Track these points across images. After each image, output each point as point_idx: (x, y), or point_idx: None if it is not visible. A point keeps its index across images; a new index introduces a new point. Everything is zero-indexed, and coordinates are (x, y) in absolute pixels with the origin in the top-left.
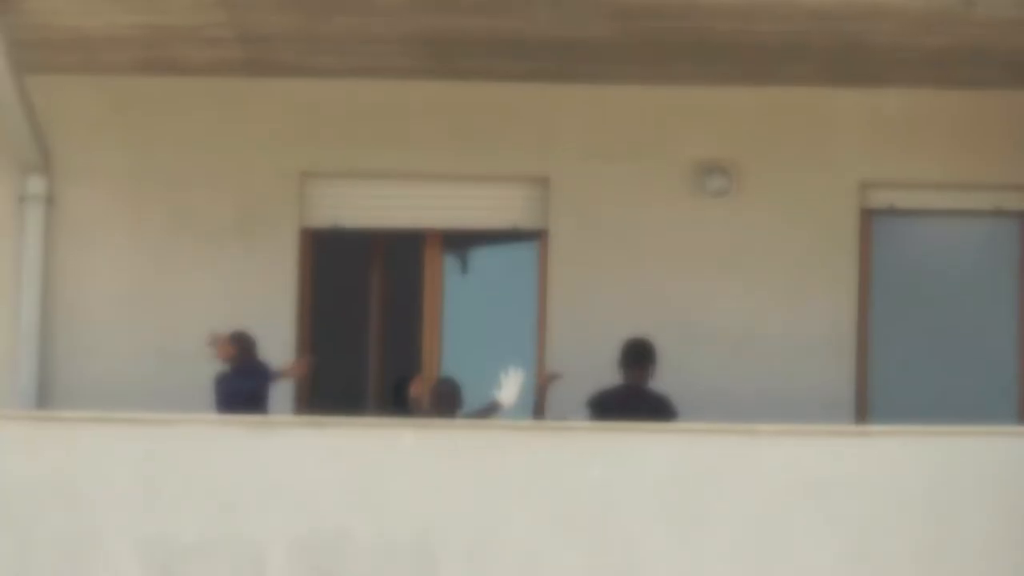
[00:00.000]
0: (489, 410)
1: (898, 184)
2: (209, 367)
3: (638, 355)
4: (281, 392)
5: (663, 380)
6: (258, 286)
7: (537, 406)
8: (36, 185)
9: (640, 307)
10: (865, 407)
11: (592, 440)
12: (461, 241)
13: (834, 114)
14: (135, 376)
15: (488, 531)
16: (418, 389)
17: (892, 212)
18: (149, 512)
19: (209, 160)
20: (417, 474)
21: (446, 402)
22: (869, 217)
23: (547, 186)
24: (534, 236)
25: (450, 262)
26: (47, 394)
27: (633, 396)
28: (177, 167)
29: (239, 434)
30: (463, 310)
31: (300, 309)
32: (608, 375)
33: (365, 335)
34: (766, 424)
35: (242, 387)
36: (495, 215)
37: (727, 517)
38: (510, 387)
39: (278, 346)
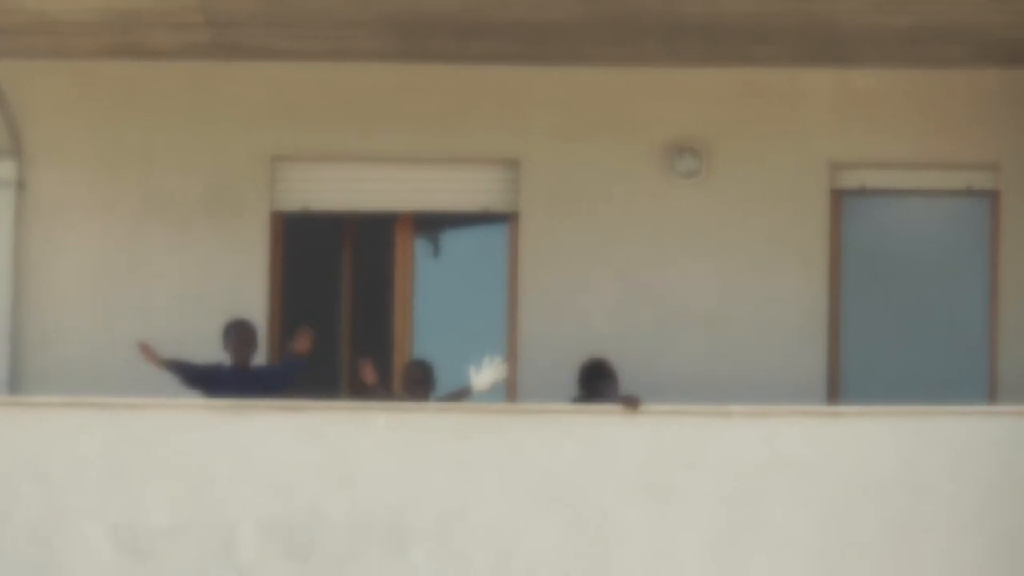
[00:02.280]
0: (461, 393)
1: (868, 164)
2: (177, 351)
3: (590, 375)
4: None
5: (636, 361)
6: (229, 269)
7: (457, 393)
8: (6, 169)
9: (611, 288)
10: (837, 387)
11: (566, 421)
12: (432, 223)
13: (804, 94)
14: (106, 360)
15: (461, 511)
16: (369, 375)
17: (862, 192)
18: (121, 495)
19: (179, 144)
20: (390, 455)
21: (419, 385)
22: (839, 197)
23: (517, 168)
24: (505, 218)
25: (421, 245)
26: (18, 379)
27: None
28: (147, 151)
29: (210, 417)
30: (434, 293)
31: (271, 292)
32: (580, 355)
33: (336, 318)
34: (739, 405)
35: (286, 373)
36: (466, 197)
37: (701, 498)
38: (487, 374)
39: None
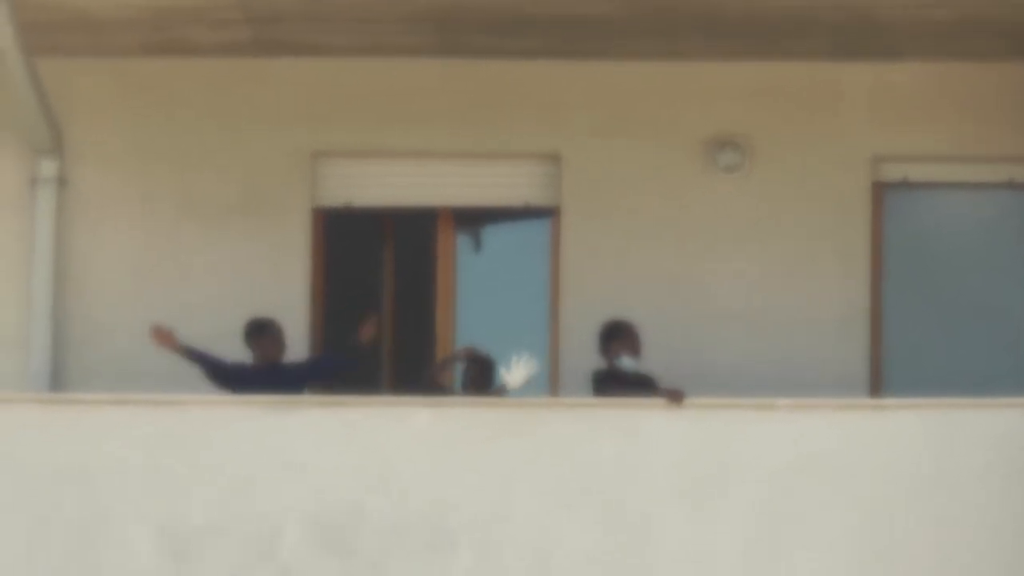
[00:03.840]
0: (495, 393)
1: (909, 157)
2: (218, 348)
3: (606, 335)
4: None
5: (677, 357)
6: (270, 267)
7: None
8: (47, 167)
9: (652, 283)
10: (879, 381)
11: (605, 416)
12: (473, 219)
13: (845, 88)
14: (147, 357)
15: (501, 508)
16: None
17: (904, 185)
18: (162, 493)
19: (219, 141)
20: (431, 452)
21: (476, 382)
22: (881, 191)
23: (558, 163)
24: (546, 213)
25: (462, 240)
26: (60, 376)
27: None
28: (188, 148)
29: (253, 414)
30: (475, 288)
31: (312, 289)
32: None
33: (378, 314)
34: (780, 399)
35: (322, 366)
36: (506, 192)
37: (741, 492)
38: (518, 372)
39: (290, 327)
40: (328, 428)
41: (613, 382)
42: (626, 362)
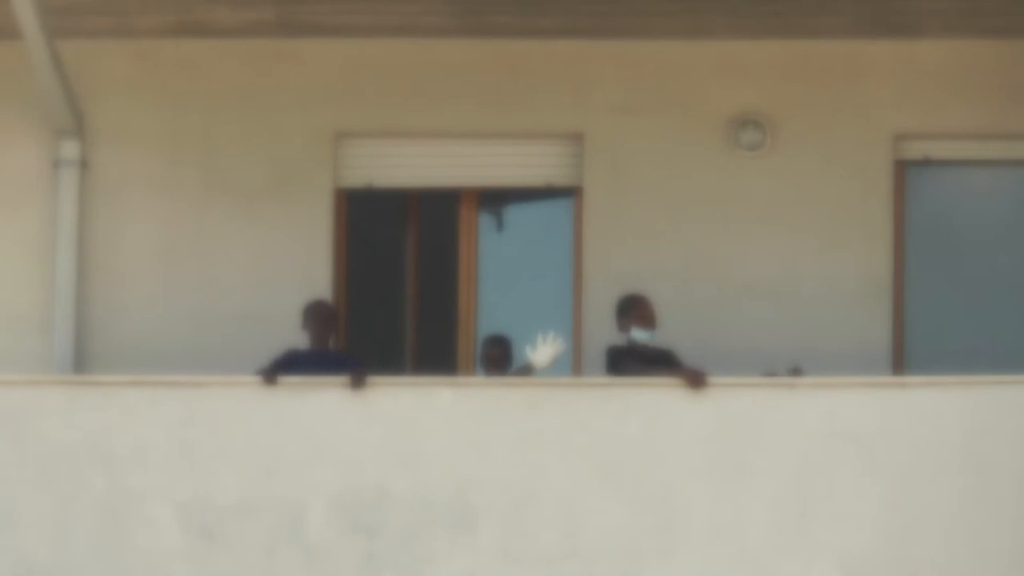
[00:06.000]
0: (522, 372)
1: (932, 135)
2: (242, 329)
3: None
4: None
5: (700, 334)
6: (293, 247)
7: (518, 371)
8: (70, 149)
9: (675, 262)
10: (902, 358)
11: (630, 395)
12: (496, 199)
13: (867, 66)
14: (171, 338)
15: (526, 487)
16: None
17: (926, 163)
18: (188, 474)
19: (242, 122)
20: (455, 432)
21: (496, 363)
22: (903, 168)
23: (581, 142)
24: (569, 192)
25: (485, 220)
26: (83, 358)
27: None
28: (210, 129)
29: (277, 394)
30: (499, 268)
31: (336, 269)
32: None
33: (401, 294)
34: (804, 377)
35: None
36: (529, 172)
37: (766, 470)
38: (545, 350)
39: None
40: (352, 408)
41: (628, 358)
42: (638, 334)
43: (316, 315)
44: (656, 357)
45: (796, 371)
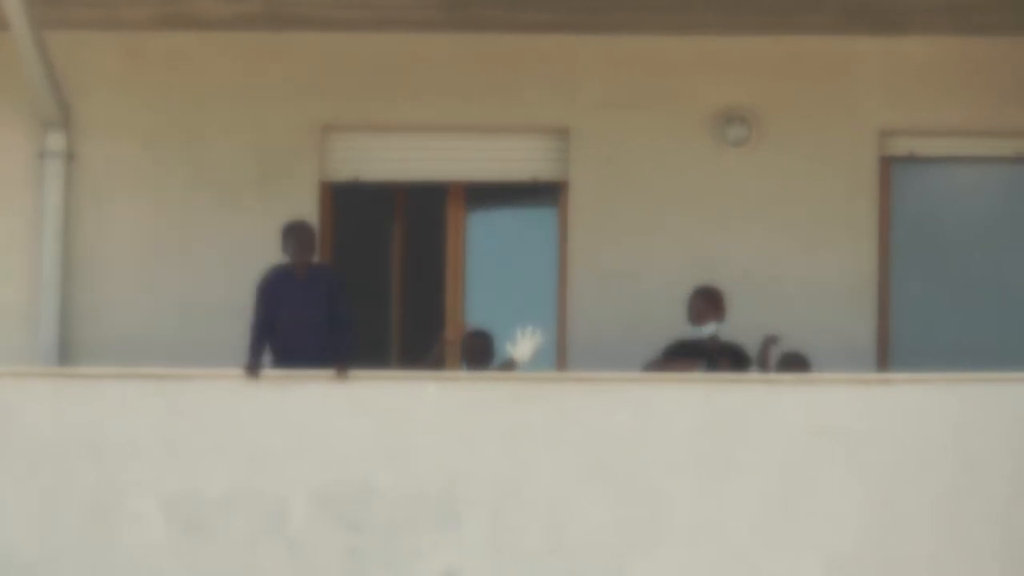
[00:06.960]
0: (504, 367)
1: (918, 131)
2: (227, 321)
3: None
4: None
5: (686, 330)
6: (278, 239)
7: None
8: (56, 141)
9: (661, 257)
10: (886, 355)
11: (616, 391)
12: (482, 193)
13: (853, 62)
14: (156, 331)
15: (513, 482)
16: (454, 333)
17: (912, 159)
18: (173, 467)
19: (229, 114)
20: (441, 426)
21: (480, 356)
22: (889, 165)
23: (567, 137)
24: (555, 187)
25: (471, 214)
26: (68, 350)
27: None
28: (196, 122)
29: (262, 388)
30: (485, 262)
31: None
32: (629, 326)
33: (387, 288)
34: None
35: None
36: (515, 167)
37: (751, 466)
38: (525, 344)
39: None
40: (337, 402)
41: (673, 351)
42: (704, 328)
43: (297, 236)
44: (720, 350)
45: (771, 339)
